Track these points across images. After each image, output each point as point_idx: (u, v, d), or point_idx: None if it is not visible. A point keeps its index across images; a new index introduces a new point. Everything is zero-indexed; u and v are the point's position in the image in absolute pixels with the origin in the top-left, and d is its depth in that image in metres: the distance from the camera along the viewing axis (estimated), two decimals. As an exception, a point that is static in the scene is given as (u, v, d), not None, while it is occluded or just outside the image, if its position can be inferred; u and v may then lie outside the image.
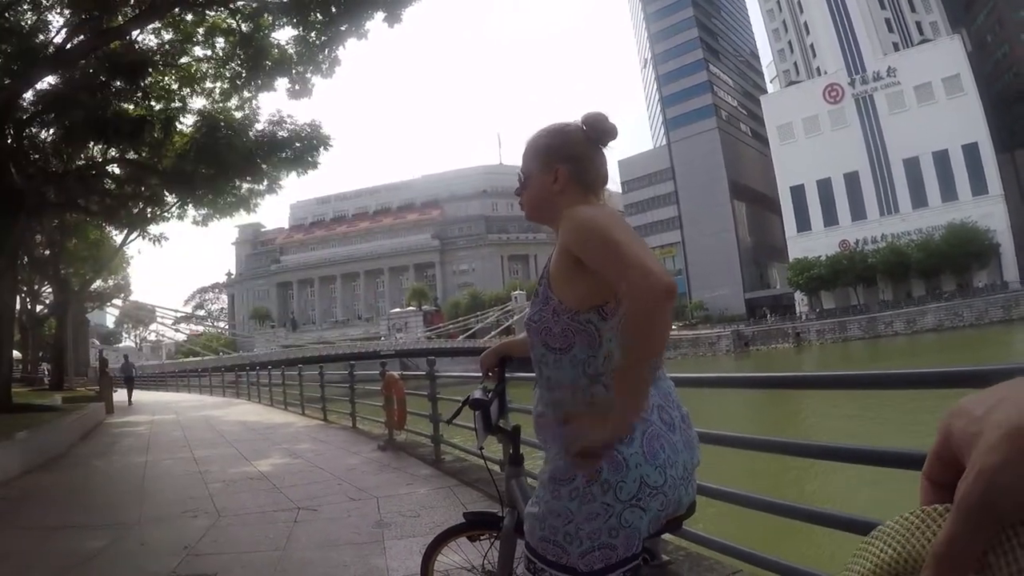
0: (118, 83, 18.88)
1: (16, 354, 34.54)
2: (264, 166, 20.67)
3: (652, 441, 1.95)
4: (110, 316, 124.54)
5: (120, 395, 28.81)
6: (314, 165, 20.90)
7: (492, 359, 2.91)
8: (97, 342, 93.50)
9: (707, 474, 5.25)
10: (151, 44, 19.52)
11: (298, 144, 20.43)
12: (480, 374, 2.97)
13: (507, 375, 2.91)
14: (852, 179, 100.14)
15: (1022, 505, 0.62)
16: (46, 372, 41.10)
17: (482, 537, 3.12)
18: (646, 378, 1.90)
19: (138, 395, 31.80)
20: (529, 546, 2.05)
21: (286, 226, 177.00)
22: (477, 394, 2.64)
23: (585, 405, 2.02)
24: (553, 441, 2.09)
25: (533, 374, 2.25)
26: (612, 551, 1.90)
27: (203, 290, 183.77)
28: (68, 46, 17.12)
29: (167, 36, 19.64)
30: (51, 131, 19.69)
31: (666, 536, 4.55)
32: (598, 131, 2.25)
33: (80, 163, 21.30)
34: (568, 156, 2.23)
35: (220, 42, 19.88)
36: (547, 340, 2.11)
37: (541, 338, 2.13)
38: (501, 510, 2.87)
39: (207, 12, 18.89)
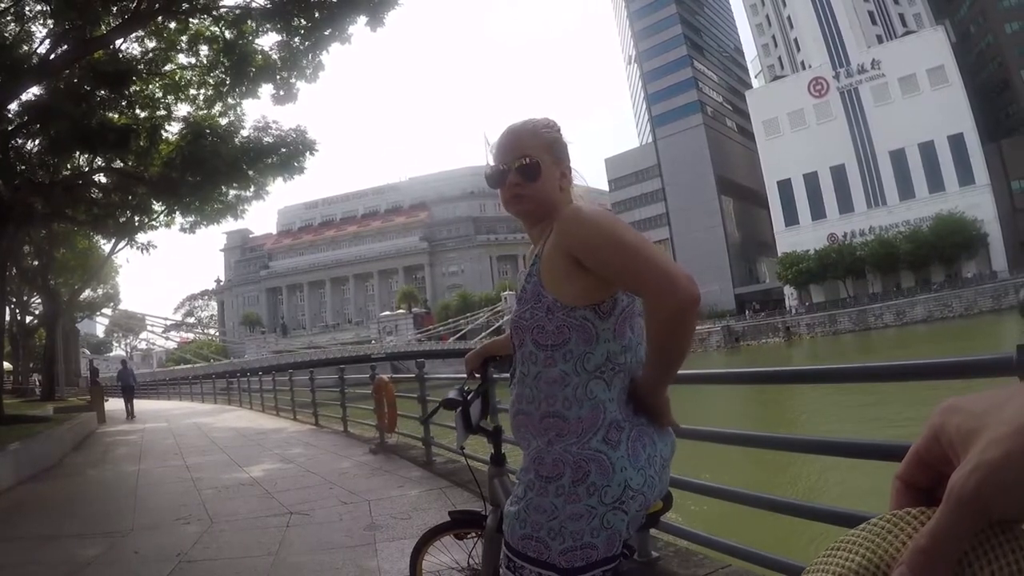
0: (103, 92, 18.81)
1: (6, 365, 34.46)
2: (250, 172, 20.60)
3: (635, 443, 1.98)
4: (100, 325, 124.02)
5: (112, 404, 28.35)
6: (300, 170, 20.87)
7: (476, 360, 2.93)
8: (88, 351, 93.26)
9: (696, 470, 5.32)
10: (135, 53, 19.47)
11: (284, 150, 20.39)
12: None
13: (496, 375, 2.94)
14: (839, 172, 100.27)
15: (1016, 506, 0.59)
16: (37, 383, 40.84)
17: (468, 536, 3.17)
18: (671, 379, 2.00)
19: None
20: (509, 544, 2.05)
21: (274, 231, 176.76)
22: (452, 394, 2.67)
23: (579, 401, 2.02)
24: (535, 438, 2.09)
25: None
26: (593, 550, 1.92)
27: (192, 297, 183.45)
28: (52, 56, 17.08)
29: (151, 44, 19.58)
30: (37, 142, 19.66)
31: (655, 532, 4.61)
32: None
33: (67, 173, 21.25)
34: (568, 158, 2.25)
35: (204, 49, 19.82)
36: (538, 338, 2.08)
37: (532, 336, 2.10)
38: (485, 508, 2.91)
39: (190, 20, 18.85)
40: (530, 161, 2.17)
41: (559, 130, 2.26)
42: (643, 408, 2.05)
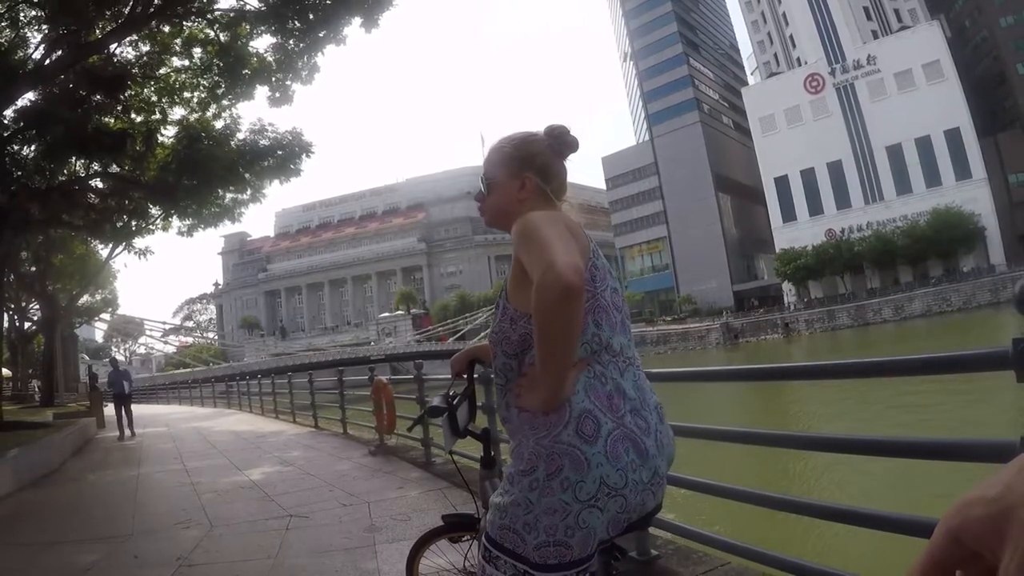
0: (98, 97, 18.84)
1: (6, 372, 34.39)
2: (247, 175, 20.57)
3: (616, 443, 1.96)
4: (98, 331, 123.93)
5: (108, 410, 24.41)
6: (297, 172, 20.86)
7: (462, 362, 2.94)
8: (87, 357, 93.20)
9: (695, 468, 5.32)
10: (129, 57, 19.48)
11: (280, 152, 20.37)
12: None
13: (491, 376, 2.93)
14: (836, 168, 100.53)
15: None
16: (36, 389, 40.72)
17: (463, 538, 3.16)
18: (556, 369, 1.92)
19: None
20: (488, 535, 2.07)
21: (272, 234, 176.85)
22: (436, 401, 2.67)
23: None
24: (515, 436, 2.13)
25: None
26: (567, 550, 1.92)
27: (191, 301, 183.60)
28: (47, 62, 17.09)
29: (145, 48, 19.58)
30: (33, 147, 19.64)
31: (654, 530, 4.62)
32: (561, 143, 2.31)
33: (63, 178, 21.18)
34: (535, 166, 2.27)
35: (198, 52, 19.84)
36: (506, 349, 2.16)
37: (502, 348, 2.18)
38: (478, 511, 2.90)
39: (184, 23, 18.87)
40: (484, 180, 2.35)
41: (524, 141, 2.33)
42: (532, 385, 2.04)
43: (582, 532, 1.92)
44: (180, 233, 23.77)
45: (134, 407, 21.36)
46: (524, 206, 2.23)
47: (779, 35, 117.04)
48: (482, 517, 2.75)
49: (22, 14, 17.86)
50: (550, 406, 1.98)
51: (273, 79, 19.33)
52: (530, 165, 2.27)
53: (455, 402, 2.69)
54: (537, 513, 1.94)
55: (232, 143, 20.32)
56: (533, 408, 2.02)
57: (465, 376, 2.93)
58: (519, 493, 1.99)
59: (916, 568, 0.68)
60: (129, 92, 19.62)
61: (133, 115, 20.38)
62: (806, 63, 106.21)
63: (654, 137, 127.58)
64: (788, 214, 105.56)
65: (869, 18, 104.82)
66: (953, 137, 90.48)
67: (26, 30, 18.35)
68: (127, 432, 19.43)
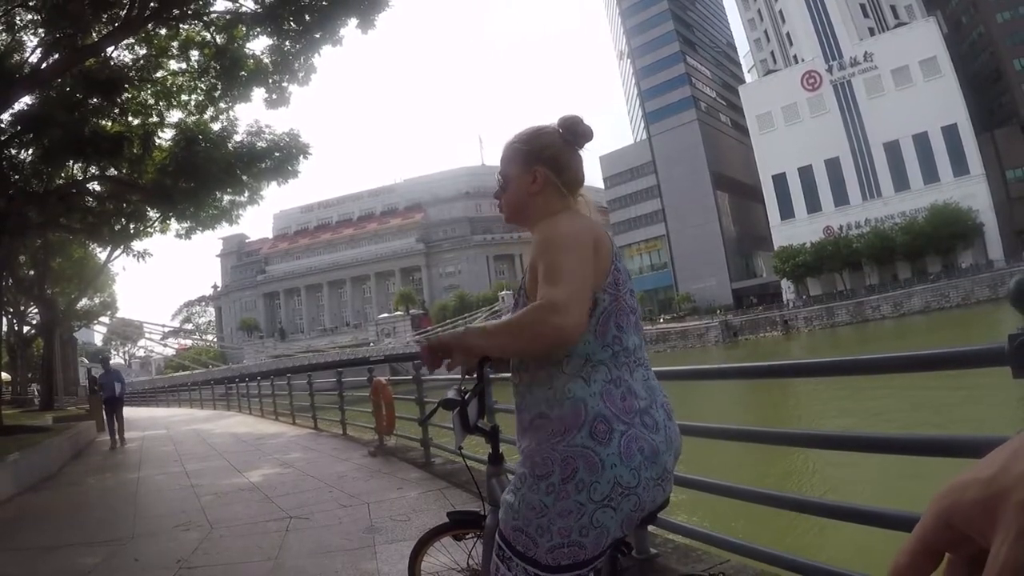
0: (95, 100, 18.81)
1: (5, 376, 34.33)
2: (244, 177, 20.54)
3: (630, 443, 1.99)
4: (98, 334, 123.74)
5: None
6: (294, 174, 20.83)
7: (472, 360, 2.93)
8: (86, 360, 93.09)
9: (694, 467, 5.32)
10: (126, 60, 19.46)
11: (277, 154, 20.34)
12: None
13: (492, 375, 2.94)
14: (833, 165, 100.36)
15: None
16: (36, 393, 40.66)
17: (467, 536, 3.18)
18: (499, 346, 2.12)
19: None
20: (501, 534, 2.10)
21: (270, 236, 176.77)
22: (450, 394, 2.69)
23: (560, 401, 2.08)
24: (527, 438, 2.16)
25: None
26: (580, 549, 1.95)
27: (190, 303, 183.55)
28: (44, 65, 17.08)
29: (142, 51, 19.56)
30: (30, 151, 19.60)
31: (653, 529, 4.61)
32: (574, 134, 2.35)
33: (60, 182, 21.16)
34: (546, 158, 2.30)
35: (195, 55, 19.82)
36: None
37: None
38: (483, 508, 2.91)
39: (181, 26, 18.85)
40: (500, 176, 2.43)
41: (535, 135, 2.38)
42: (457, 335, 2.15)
43: (596, 532, 1.96)
44: (178, 235, 23.78)
45: (129, 411, 20.91)
46: (537, 200, 2.30)
47: (776, 33, 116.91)
48: (488, 514, 2.77)
49: (18, 18, 17.84)
50: (468, 355, 2.19)
51: (270, 81, 19.33)
52: (540, 158, 2.31)
53: (466, 398, 2.71)
54: (551, 516, 1.97)
55: (229, 145, 20.28)
56: (459, 345, 2.13)
57: (475, 375, 2.95)
58: (533, 496, 2.02)
59: (904, 551, 0.66)
60: (126, 95, 19.61)
61: (130, 118, 20.34)
62: (803, 60, 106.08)
63: (652, 135, 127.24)
64: (786, 211, 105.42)
65: (866, 15, 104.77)
66: (951, 133, 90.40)
67: (22, 34, 18.35)
68: (118, 440, 17.97)
